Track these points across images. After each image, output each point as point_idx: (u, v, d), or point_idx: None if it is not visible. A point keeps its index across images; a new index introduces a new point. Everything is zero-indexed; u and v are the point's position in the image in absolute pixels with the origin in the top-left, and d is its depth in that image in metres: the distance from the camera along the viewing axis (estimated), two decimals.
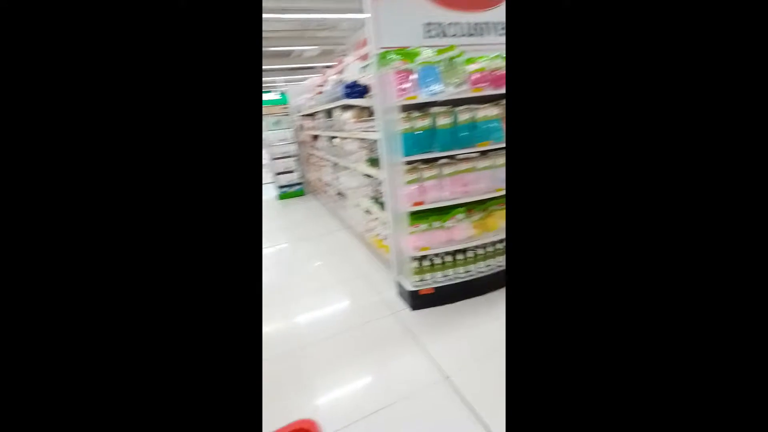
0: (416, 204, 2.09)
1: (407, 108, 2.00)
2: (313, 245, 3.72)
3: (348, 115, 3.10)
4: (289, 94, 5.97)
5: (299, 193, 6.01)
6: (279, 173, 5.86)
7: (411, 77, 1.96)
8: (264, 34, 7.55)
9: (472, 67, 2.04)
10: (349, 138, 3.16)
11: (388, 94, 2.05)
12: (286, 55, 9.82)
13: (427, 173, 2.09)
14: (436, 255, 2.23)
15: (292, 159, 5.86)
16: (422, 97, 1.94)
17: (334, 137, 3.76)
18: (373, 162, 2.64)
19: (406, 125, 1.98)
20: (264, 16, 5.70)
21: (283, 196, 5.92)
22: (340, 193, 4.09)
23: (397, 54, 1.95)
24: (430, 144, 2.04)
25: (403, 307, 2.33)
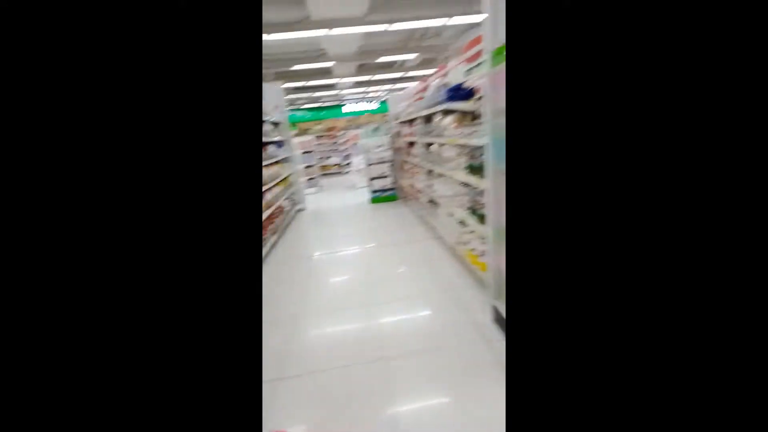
0: None
1: None
2: (400, 251, 3.65)
3: (449, 120, 2.93)
4: (389, 103, 6.08)
5: (391, 198, 6.05)
6: (373, 178, 5.99)
7: None
8: (369, 48, 7.92)
9: None
10: (448, 144, 2.99)
11: (500, 95, 1.83)
12: (389, 66, 10.15)
13: None
14: None
15: (387, 165, 5.93)
16: None
17: (430, 144, 3.63)
18: (474, 170, 2.42)
19: None
20: (370, 29, 5.93)
21: (375, 200, 6.04)
22: (432, 201, 3.95)
23: None
24: None
25: (498, 337, 2.05)
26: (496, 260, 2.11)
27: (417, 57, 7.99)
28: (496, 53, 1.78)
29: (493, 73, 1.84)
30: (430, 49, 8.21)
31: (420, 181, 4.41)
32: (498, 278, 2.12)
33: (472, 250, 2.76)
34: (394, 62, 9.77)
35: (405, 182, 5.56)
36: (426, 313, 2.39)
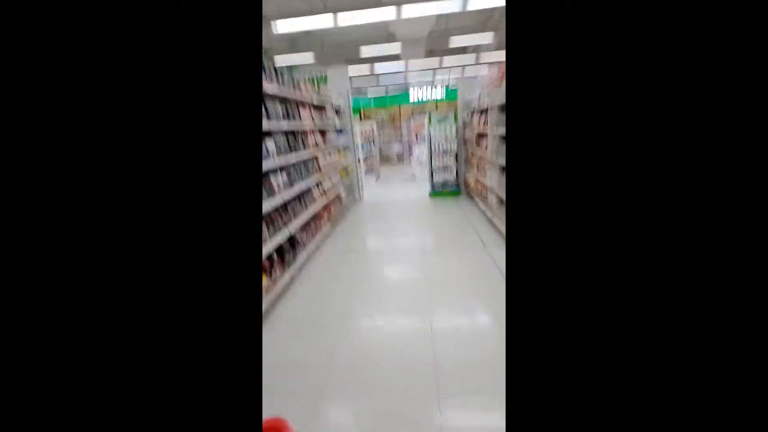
0: None
1: None
2: (454, 262, 3.12)
3: None
4: (459, 90, 5.59)
5: (455, 194, 5.62)
6: (435, 171, 5.60)
7: None
8: (441, 33, 7.42)
9: None
10: None
11: None
12: (463, 50, 9.52)
13: None
14: None
15: (452, 157, 5.50)
16: None
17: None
18: None
19: None
20: (441, 6, 5.44)
21: (434, 194, 5.66)
22: (502, 202, 3.48)
23: None
24: None
25: None
26: None
27: (494, 39, 7.28)
28: None
29: None
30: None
31: (490, 178, 3.95)
32: None
33: None
34: (467, 47, 9.11)
35: (471, 177, 5.09)
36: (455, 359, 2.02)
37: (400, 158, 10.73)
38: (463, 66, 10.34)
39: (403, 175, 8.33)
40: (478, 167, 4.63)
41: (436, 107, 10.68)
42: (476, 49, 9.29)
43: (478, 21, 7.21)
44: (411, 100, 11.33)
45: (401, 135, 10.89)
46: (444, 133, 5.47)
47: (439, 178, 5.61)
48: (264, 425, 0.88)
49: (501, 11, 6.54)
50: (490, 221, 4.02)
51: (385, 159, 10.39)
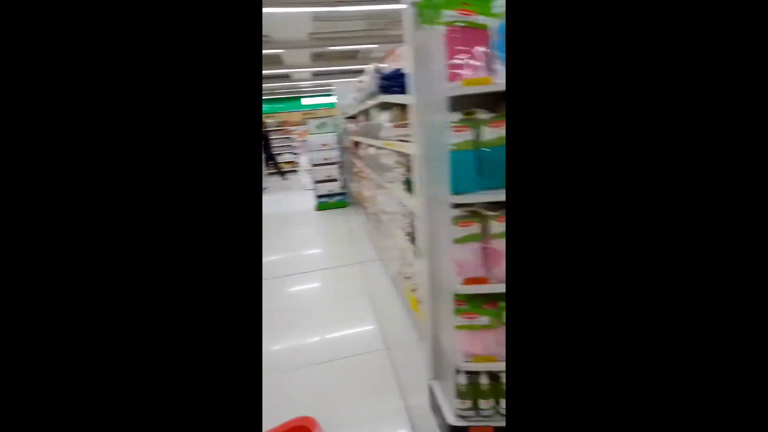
0: (473, 281, 1.14)
1: (469, 103, 1.07)
2: (328, 277, 2.96)
3: (385, 116, 2.23)
4: (336, 94, 5.30)
5: (341, 205, 5.30)
6: (318, 181, 5.21)
7: (478, 47, 1.03)
8: (331, 35, 7.10)
9: None
10: (385, 149, 2.29)
11: (431, 77, 1.13)
12: (353, 56, 9.36)
13: (498, 227, 1.13)
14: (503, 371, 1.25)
15: (335, 166, 5.17)
16: (502, 81, 1.00)
17: (371, 145, 2.92)
18: (410, 186, 1.74)
19: (462, 137, 1.05)
20: (327, 9, 5.11)
21: (321, 207, 5.26)
22: (377, 215, 3.26)
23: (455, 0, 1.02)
24: (503, 174, 1.09)
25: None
26: (433, 324, 1.44)
27: (381, 47, 7.25)
28: (424, 4, 1.08)
29: (419, 40, 1.15)
30: (398, 38, 7.52)
31: (367, 189, 3.71)
32: (437, 352, 1.45)
33: (414, 290, 2.09)
34: (358, 51, 8.98)
35: (355, 187, 4.84)
36: (334, 383, 1.70)
37: (293, 167, 10.10)
38: (350, 70, 10.23)
39: (292, 185, 7.79)
40: (359, 177, 4.39)
41: (328, 113, 10.35)
42: (367, 54, 9.25)
43: (362, 26, 7.10)
44: (304, 105, 10.76)
45: (291, 142, 10.26)
46: (324, 141, 5.11)
47: (324, 188, 5.24)
48: (293, 424, 1.03)
49: (393, 17, 6.51)
50: (370, 234, 3.79)
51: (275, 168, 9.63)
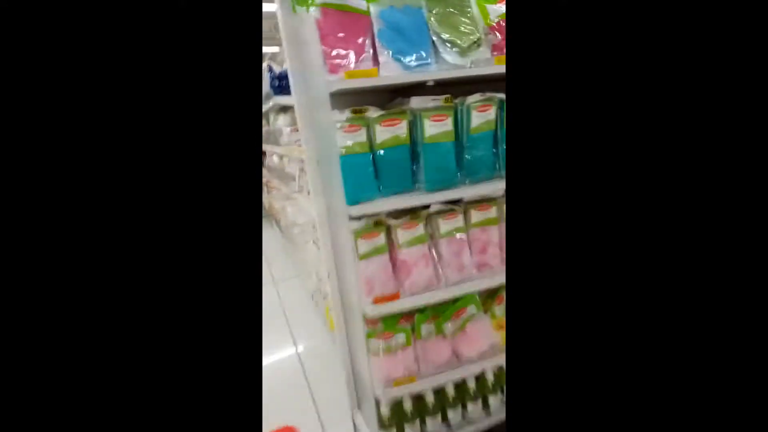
0: (384, 299, 1.02)
1: (358, 100, 0.94)
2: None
3: (283, 121, 2.02)
4: None
5: None
6: None
7: (361, 37, 0.90)
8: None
9: (499, 9, 1.00)
10: (287, 156, 2.08)
11: (311, 70, 0.98)
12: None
13: (404, 235, 1.02)
14: (428, 389, 1.15)
15: None
16: (389, 74, 0.89)
17: (274, 153, 2.67)
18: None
19: (353, 138, 0.91)
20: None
21: None
22: (288, 228, 3.00)
23: None
24: (404, 177, 0.98)
25: None
26: (348, 347, 1.29)
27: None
28: None
29: (295, 28, 0.99)
30: None
31: (277, 200, 3.42)
32: (357, 381, 1.30)
33: (330, 307, 1.92)
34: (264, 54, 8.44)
35: (265, 199, 4.46)
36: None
37: None
38: None
39: None
40: (267, 186, 4.04)
41: None
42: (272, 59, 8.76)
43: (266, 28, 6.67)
44: None
45: None
46: None
47: None
48: None
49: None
50: (287, 250, 3.50)
51: None
